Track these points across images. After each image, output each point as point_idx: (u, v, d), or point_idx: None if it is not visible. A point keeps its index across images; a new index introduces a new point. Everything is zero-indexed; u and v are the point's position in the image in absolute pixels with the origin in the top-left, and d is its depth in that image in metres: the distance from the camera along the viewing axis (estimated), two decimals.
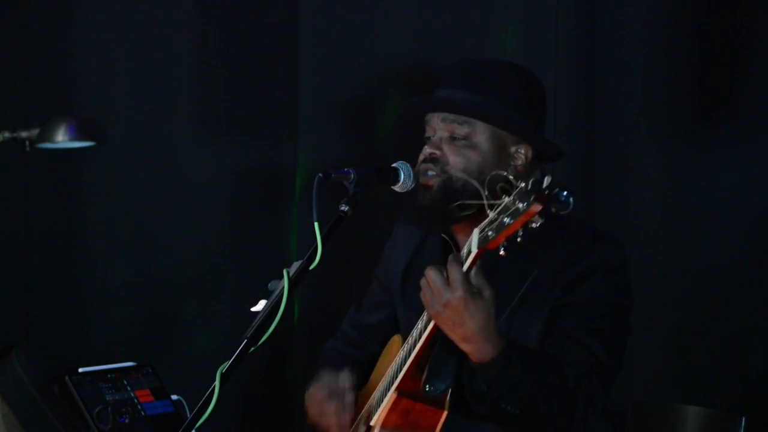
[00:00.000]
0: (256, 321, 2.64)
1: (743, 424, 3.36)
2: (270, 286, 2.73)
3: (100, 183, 4.60)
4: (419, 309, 2.96)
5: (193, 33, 4.60)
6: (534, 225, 2.47)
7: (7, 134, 4.14)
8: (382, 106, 4.49)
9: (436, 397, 2.81)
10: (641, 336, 3.00)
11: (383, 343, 3.22)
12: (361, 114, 4.51)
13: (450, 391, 2.82)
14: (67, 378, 3.31)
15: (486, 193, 2.57)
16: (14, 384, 3.21)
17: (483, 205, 2.89)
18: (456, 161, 2.98)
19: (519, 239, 2.51)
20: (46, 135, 4.08)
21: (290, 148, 4.58)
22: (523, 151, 3.03)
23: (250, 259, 4.58)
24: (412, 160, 2.98)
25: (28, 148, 4.17)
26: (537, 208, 2.44)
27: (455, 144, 3.00)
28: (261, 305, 2.69)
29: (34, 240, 4.55)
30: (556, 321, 2.86)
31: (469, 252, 2.64)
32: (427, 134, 3.05)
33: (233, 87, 4.61)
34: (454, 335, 2.69)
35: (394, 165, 2.95)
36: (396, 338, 3.04)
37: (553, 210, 2.44)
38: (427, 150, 3.00)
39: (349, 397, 3.03)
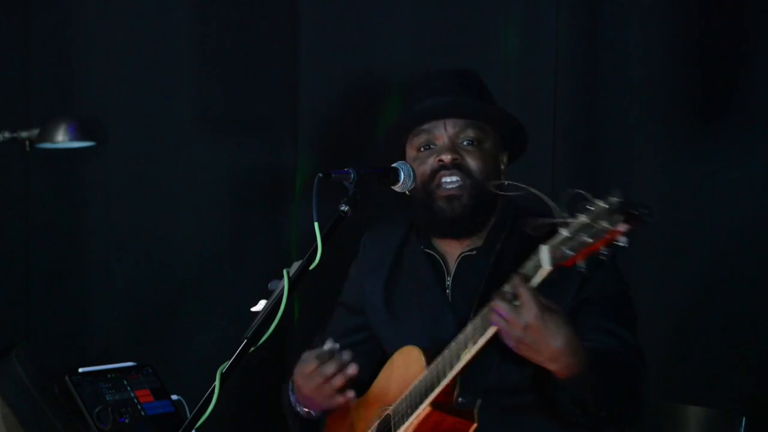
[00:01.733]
0: (256, 321, 2.64)
1: (743, 424, 3.36)
2: (270, 286, 2.72)
3: (100, 183, 4.59)
4: (410, 327, 2.96)
5: (192, 33, 4.60)
6: (622, 245, 2.47)
7: (7, 134, 4.14)
8: (383, 107, 4.49)
9: (467, 410, 2.81)
10: (641, 336, 3.00)
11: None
12: (361, 114, 4.50)
13: (479, 402, 2.82)
14: (67, 378, 3.31)
15: (560, 211, 2.55)
16: (14, 384, 3.21)
17: (494, 208, 2.89)
18: (476, 165, 2.96)
19: (603, 257, 2.51)
20: (46, 135, 4.08)
21: (290, 148, 4.58)
22: (504, 159, 3.05)
23: (250, 259, 4.58)
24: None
25: (28, 148, 4.17)
26: (624, 228, 2.44)
27: (469, 148, 2.98)
28: (261, 305, 2.69)
29: (34, 240, 4.55)
30: (580, 317, 2.87)
31: (537, 269, 2.62)
32: (425, 143, 3.01)
33: (233, 87, 4.61)
34: (541, 357, 2.67)
35: (394, 165, 2.94)
36: (413, 350, 2.97)
37: (634, 229, 2.44)
38: (447, 156, 2.96)
39: (346, 355, 2.93)
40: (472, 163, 2.96)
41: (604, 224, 2.46)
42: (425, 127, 3.01)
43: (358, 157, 4.36)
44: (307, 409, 3.03)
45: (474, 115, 2.99)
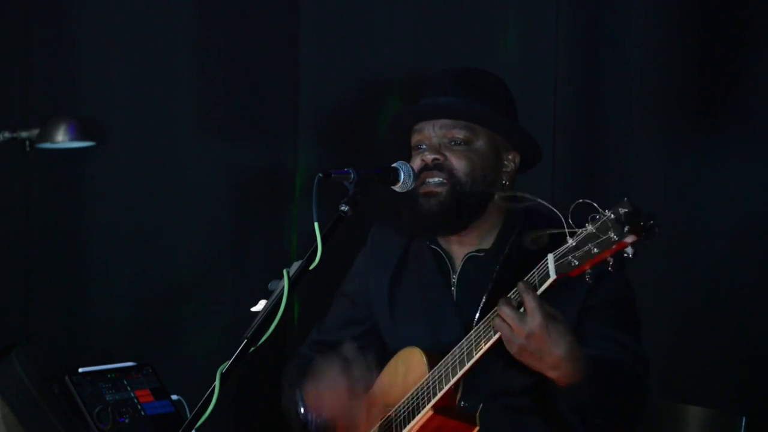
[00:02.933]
0: (256, 321, 2.64)
1: (743, 424, 3.36)
2: (270, 286, 2.72)
3: (100, 183, 4.60)
4: (413, 324, 2.97)
5: (193, 34, 4.60)
6: (627, 255, 2.47)
7: (7, 134, 4.15)
8: (383, 106, 4.49)
9: (469, 414, 2.81)
10: (641, 336, 3.01)
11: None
12: (361, 114, 4.51)
13: (481, 406, 2.82)
14: (67, 378, 3.31)
15: (570, 221, 2.55)
16: (14, 384, 3.21)
17: (484, 208, 2.90)
18: (461, 165, 2.97)
19: (610, 268, 2.51)
20: (46, 135, 4.09)
21: (290, 149, 4.58)
22: (512, 158, 3.04)
23: (250, 259, 4.58)
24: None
25: (28, 148, 4.17)
26: (631, 239, 2.44)
27: (455, 148, 2.99)
28: (261, 305, 2.69)
29: (34, 240, 4.55)
30: (585, 323, 2.89)
31: (545, 278, 2.63)
32: (418, 143, 3.03)
33: (233, 88, 4.61)
34: (542, 365, 2.68)
35: (394, 165, 2.94)
36: (415, 352, 2.97)
37: (641, 241, 2.44)
38: (428, 156, 2.98)
39: (369, 356, 2.96)
40: (455, 162, 2.97)
41: (612, 235, 2.46)
42: (417, 127, 3.04)
43: (358, 157, 4.37)
44: (318, 418, 3.03)
45: (460, 114, 2.99)
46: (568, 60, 4.22)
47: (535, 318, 2.63)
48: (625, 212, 2.44)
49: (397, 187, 2.94)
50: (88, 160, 4.53)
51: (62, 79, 4.57)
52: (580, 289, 2.88)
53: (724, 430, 3.42)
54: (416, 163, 3.00)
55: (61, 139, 4.07)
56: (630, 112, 4.20)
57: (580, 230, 2.52)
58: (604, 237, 2.47)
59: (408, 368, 2.96)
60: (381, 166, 3.00)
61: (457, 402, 2.81)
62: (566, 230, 2.55)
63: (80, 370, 3.36)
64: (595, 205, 2.51)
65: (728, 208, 4.10)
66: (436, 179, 2.96)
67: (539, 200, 2.77)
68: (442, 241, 3.08)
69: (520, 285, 2.67)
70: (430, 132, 3.01)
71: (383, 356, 3.08)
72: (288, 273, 2.65)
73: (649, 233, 2.43)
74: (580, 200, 2.54)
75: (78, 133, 4.09)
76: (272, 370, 4.53)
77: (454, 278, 3.05)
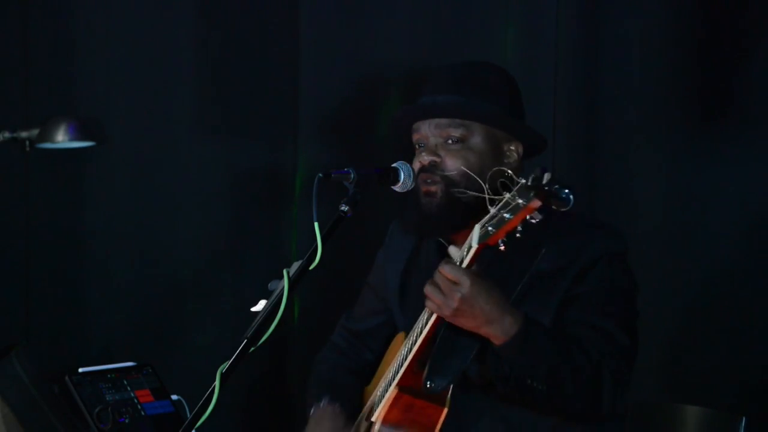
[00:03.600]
0: (256, 321, 2.64)
1: (743, 424, 3.36)
2: (270, 286, 2.73)
3: (100, 183, 4.60)
4: (417, 315, 2.97)
5: (193, 34, 4.60)
6: (533, 221, 2.50)
7: (7, 134, 4.15)
8: (382, 106, 4.49)
9: (437, 394, 2.82)
10: (641, 336, 3.00)
11: (375, 350, 3.22)
12: (361, 114, 4.51)
13: (451, 388, 2.83)
14: (67, 378, 3.31)
15: (487, 188, 2.59)
16: (14, 384, 3.21)
17: (486, 204, 2.90)
18: (455, 164, 2.98)
19: (518, 235, 2.54)
20: (46, 135, 4.09)
21: (290, 148, 4.58)
22: (514, 148, 3.04)
23: (250, 259, 4.58)
24: (412, 160, 2.98)
25: (28, 148, 4.17)
26: (536, 204, 2.48)
27: (452, 147, 3.00)
28: (261, 305, 2.69)
29: (34, 240, 4.55)
30: (566, 311, 2.88)
31: (470, 247, 2.65)
32: (418, 142, 3.05)
33: (233, 87, 4.61)
34: (476, 322, 2.70)
35: (394, 165, 2.95)
36: (400, 336, 3.04)
37: (553, 206, 2.46)
38: (425, 158, 2.99)
39: None
40: (450, 162, 2.98)
41: (519, 201, 2.49)
42: (416, 126, 3.05)
43: (358, 157, 4.37)
44: None
45: (454, 114, 3.00)
46: (568, 60, 4.22)
47: (464, 282, 2.66)
48: (532, 177, 2.48)
49: (397, 187, 2.94)
50: (88, 160, 4.53)
51: (62, 79, 4.57)
52: (565, 279, 2.88)
53: (724, 430, 3.42)
54: (416, 164, 3.02)
55: (61, 139, 4.07)
56: (630, 112, 4.20)
57: (499, 198, 2.56)
58: (514, 203, 2.51)
59: (393, 351, 3.02)
60: (381, 166, 3.01)
61: (422, 382, 2.83)
62: (485, 196, 2.58)
63: (80, 370, 3.36)
64: (509, 172, 2.54)
65: (728, 207, 4.10)
66: (432, 180, 2.98)
67: (465, 177, 2.82)
68: (451, 236, 3.09)
69: (443, 262, 2.70)
70: (427, 131, 3.02)
71: None
72: (288, 273, 2.65)
73: (556, 196, 2.45)
74: (497, 168, 2.59)
75: (78, 133, 4.09)
76: (272, 370, 4.54)
77: None
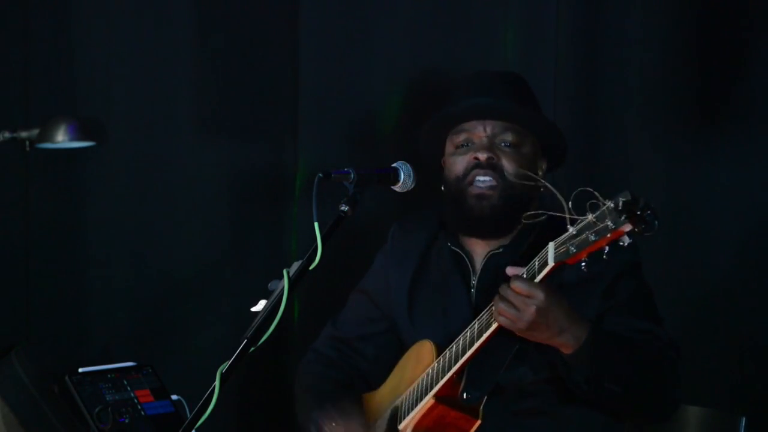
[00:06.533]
0: (256, 321, 2.64)
1: (743, 424, 3.36)
2: (270, 286, 2.73)
3: (100, 183, 4.59)
4: (429, 326, 2.98)
5: (192, 33, 4.60)
6: (622, 244, 2.49)
7: (7, 134, 4.14)
8: (383, 106, 4.49)
9: (472, 406, 2.82)
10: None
11: (369, 358, 3.21)
12: (361, 114, 4.51)
13: (485, 399, 2.83)
14: (67, 378, 3.31)
15: (570, 207, 2.58)
16: (14, 384, 3.21)
17: (516, 214, 2.90)
18: (512, 166, 2.97)
19: (605, 256, 2.53)
20: (46, 135, 4.08)
21: (290, 148, 4.58)
22: (544, 166, 3.06)
23: (250, 259, 4.58)
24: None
25: (28, 148, 4.17)
26: (627, 228, 2.46)
27: (506, 150, 2.99)
28: (261, 305, 2.69)
29: (34, 240, 4.55)
30: (606, 323, 2.91)
31: (544, 264, 2.65)
32: (464, 141, 3.03)
33: (233, 87, 4.61)
34: (550, 333, 2.72)
35: (394, 165, 2.95)
36: (426, 343, 3.00)
37: (637, 231, 2.45)
38: (483, 154, 2.98)
39: None
40: (507, 164, 2.98)
41: (609, 223, 2.48)
42: (466, 125, 3.03)
43: (358, 157, 4.37)
44: None
45: (514, 118, 3.00)
46: (568, 60, 4.22)
47: (538, 294, 2.67)
48: (624, 201, 2.46)
49: (397, 187, 2.94)
50: (88, 160, 4.53)
51: (62, 79, 4.57)
52: (594, 294, 2.89)
53: (724, 430, 3.42)
54: (465, 159, 3.00)
55: (61, 139, 4.07)
56: (630, 111, 4.20)
57: (581, 218, 2.54)
58: (602, 225, 2.49)
59: (418, 359, 3.00)
60: (381, 166, 3.01)
61: (459, 393, 2.83)
62: (566, 216, 2.57)
63: (80, 370, 3.36)
64: (596, 193, 2.52)
65: (728, 207, 4.10)
66: (488, 179, 2.96)
67: (542, 181, 2.81)
68: (464, 242, 3.08)
69: (513, 276, 2.71)
70: (480, 131, 3.01)
71: (400, 354, 3.11)
72: (288, 273, 2.66)
73: (646, 222, 2.45)
74: (581, 188, 2.55)
75: (78, 133, 4.09)
76: (272, 370, 4.54)
77: (474, 280, 3.06)
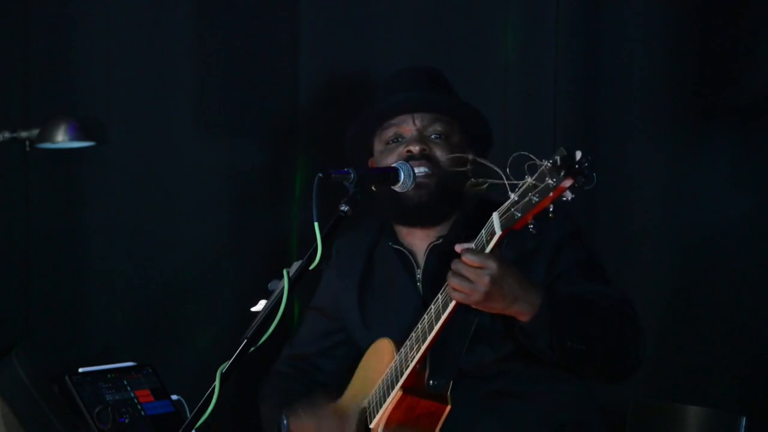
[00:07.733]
0: (256, 321, 2.65)
1: (743, 424, 3.36)
2: (270, 286, 2.73)
3: (100, 183, 4.59)
4: (384, 326, 2.99)
5: (192, 33, 4.60)
6: (565, 199, 2.51)
7: (7, 134, 4.14)
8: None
9: (439, 393, 2.83)
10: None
11: (327, 371, 3.23)
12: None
13: (452, 384, 2.84)
14: (67, 378, 3.31)
15: (508, 173, 2.59)
16: (14, 384, 3.21)
17: (452, 202, 2.91)
18: (444, 156, 3.01)
19: (551, 215, 2.54)
20: (46, 135, 4.08)
21: (290, 148, 4.58)
22: (469, 152, 3.07)
23: (250, 259, 4.58)
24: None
25: (28, 148, 4.17)
26: (568, 183, 2.48)
27: (437, 141, 3.02)
28: (261, 305, 2.70)
29: (34, 240, 4.55)
30: (557, 288, 2.91)
31: (492, 234, 2.66)
32: (394, 137, 3.05)
33: (233, 87, 4.61)
34: (505, 302, 2.73)
35: (394, 165, 2.96)
36: (383, 341, 3.02)
37: (578, 185, 2.47)
38: (416, 147, 3.00)
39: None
40: (439, 154, 3.01)
41: (549, 182, 2.50)
42: (394, 120, 3.06)
43: (358, 158, 4.37)
44: None
45: (444, 109, 3.03)
46: (568, 60, 4.22)
47: (490, 264, 2.68)
48: (561, 157, 2.48)
49: (397, 187, 2.95)
50: (88, 160, 4.53)
51: (62, 79, 4.57)
52: (537, 270, 2.92)
53: (724, 430, 3.43)
54: (397, 153, 3.02)
55: (61, 139, 4.07)
56: (630, 112, 4.20)
57: (520, 182, 2.55)
58: (543, 185, 2.51)
59: (378, 358, 3.02)
60: (381, 166, 3.02)
61: (425, 382, 2.83)
62: (505, 182, 2.59)
63: (80, 370, 3.36)
64: (531, 156, 2.53)
65: (728, 207, 4.10)
66: (423, 169, 2.98)
67: (479, 159, 2.84)
68: (404, 240, 3.11)
69: (463, 250, 2.71)
70: (410, 125, 3.05)
71: (359, 363, 3.12)
72: (288, 273, 2.66)
73: (585, 176, 2.48)
74: (518, 153, 2.57)
75: (78, 133, 4.09)
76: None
77: (419, 274, 3.08)
